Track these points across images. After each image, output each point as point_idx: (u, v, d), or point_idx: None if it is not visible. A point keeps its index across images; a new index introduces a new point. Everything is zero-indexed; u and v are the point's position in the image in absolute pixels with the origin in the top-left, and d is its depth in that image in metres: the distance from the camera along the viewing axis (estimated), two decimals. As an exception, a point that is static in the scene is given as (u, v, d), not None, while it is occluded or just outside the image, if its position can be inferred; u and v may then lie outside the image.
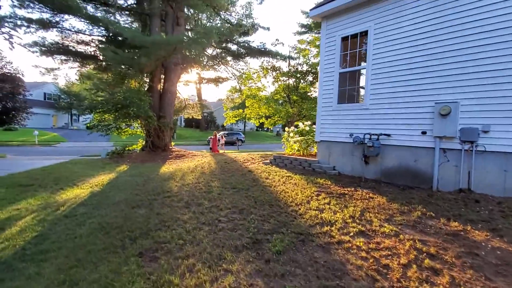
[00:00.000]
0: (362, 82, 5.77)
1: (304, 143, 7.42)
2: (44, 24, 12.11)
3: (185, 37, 8.86)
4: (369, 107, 5.53)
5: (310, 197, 4.37)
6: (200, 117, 21.20)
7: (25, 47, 12.57)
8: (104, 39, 11.61)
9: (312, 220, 3.51)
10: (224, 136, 31.53)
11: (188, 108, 19.79)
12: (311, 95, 19.53)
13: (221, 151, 13.24)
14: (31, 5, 8.94)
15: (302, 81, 18.71)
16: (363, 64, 5.81)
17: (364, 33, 5.68)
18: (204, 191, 5.27)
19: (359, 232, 3.12)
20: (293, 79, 18.88)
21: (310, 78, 18.63)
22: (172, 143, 13.99)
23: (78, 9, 9.06)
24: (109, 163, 11.03)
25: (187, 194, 5.20)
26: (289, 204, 4.18)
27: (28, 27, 12.06)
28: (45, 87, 42.73)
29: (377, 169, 5.45)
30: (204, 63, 15.68)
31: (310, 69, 17.18)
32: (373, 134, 5.30)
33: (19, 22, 11.79)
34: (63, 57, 13.29)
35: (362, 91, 6.32)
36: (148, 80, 12.70)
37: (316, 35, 22.77)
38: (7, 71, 22.64)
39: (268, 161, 7.75)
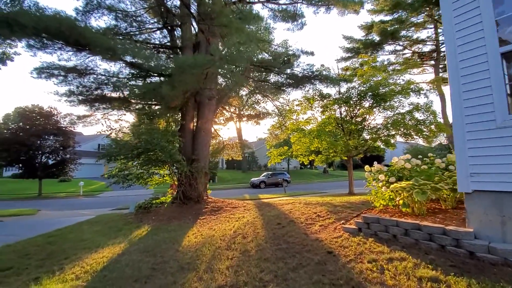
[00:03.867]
0: None
1: (419, 194, 4.17)
2: (80, 72, 11.57)
3: (218, 53, 6.82)
4: None
5: None
6: (240, 158, 18.89)
7: (62, 97, 12.09)
8: (131, 76, 10.45)
9: None
10: (268, 177, 28.70)
11: (228, 149, 17.72)
12: (370, 123, 16.16)
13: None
14: (50, 43, 8.08)
15: (358, 107, 15.62)
16: None
17: None
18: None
19: None
20: (346, 107, 15.93)
21: (366, 104, 15.45)
22: (209, 191, 11.55)
23: (103, 44, 7.74)
24: (130, 223, 8.82)
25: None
26: None
27: (65, 76, 11.59)
28: (100, 139, 46.13)
29: None
30: (242, 95, 13.79)
31: (368, 91, 14.14)
32: None
33: (56, 72, 11.40)
34: (99, 105, 12.54)
35: None
36: (180, 119, 10.91)
37: (370, 54, 20.11)
38: (61, 125, 23.71)
39: (353, 226, 4.57)
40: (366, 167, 6.13)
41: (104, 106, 12.16)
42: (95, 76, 11.83)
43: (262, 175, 29.36)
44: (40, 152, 23.02)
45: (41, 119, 23.22)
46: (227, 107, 16.40)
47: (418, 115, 14.50)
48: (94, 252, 5.70)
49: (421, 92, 15.10)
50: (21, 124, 22.98)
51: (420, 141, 17.30)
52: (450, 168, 5.69)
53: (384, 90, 14.20)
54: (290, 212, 7.04)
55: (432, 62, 25.56)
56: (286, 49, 15.71)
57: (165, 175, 10.14)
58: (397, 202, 4.97)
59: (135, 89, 8.90)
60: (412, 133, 14.54)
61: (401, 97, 14.42)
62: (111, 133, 9.29)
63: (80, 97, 12.14)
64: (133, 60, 9.86)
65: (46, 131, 23.02)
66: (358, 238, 4.02)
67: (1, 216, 11.98)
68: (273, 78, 16.18)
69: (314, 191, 20.33)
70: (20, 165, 23.62)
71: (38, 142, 22.67)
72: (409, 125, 14.14)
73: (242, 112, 20.38)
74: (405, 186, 4.46)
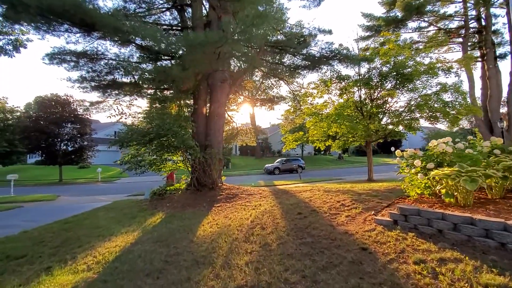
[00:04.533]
0: None
1: (468, 182, 3.58)
2: (91, 57, 11.31)
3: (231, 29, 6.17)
4: None
5: None
6: (254, 144, 18.45)
7: (75, 83, 11.94)
8: (141, 60, 10.06)
9: None
10: (283, 163, 28.23)
11: (241, 135, 17.31)
12: (391, 106, 15.14)
13: None
14: (56, 25, 7.74)
15: (379, 89, 14.62)
16: None
17: None
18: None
19: None
20: (366, 89, 14.97)
21: (388, 85, 14.40)
22: (223, 177, 11.26)
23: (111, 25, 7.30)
24: (144, 209, 8.69)
25: None
26: None
27: (76, 62, 11.38)
28: (116, 127, 46.98)
29: None
30: (256, 79, 13.16)
31: (392, 71, 13.10)
32: None
33: (67, 58, 11.20)
34: (111, 91, 12.34)
35: None
36: (192, 103, 10.52)
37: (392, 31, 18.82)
38: (78, 113, 24.01)
39: (387, 218, 4.05)
40: (397, 151, 5.51)
41: (116, 92, 11.93)
42: (106, 61, 11.51)
43: (276, 161, 28.95)
44: (59, 139, 23.54)
45: (58, 107, 23.59)
46: (240, 91, 15.83)
47: (446, 96, 13.47)
48: (107, 240, 5.53)
49: (451, 70, 13.93)
50: (40, 113, 23.45)
51: (441, 125, 16.24)
52: (495, 152, 5.02)
53: (409, 70, 13.13)
54: (310, 200, 6.59)
55: (460, 39, 23.58)
56: (301, 28, 14.73)
57: (178, 162, 9.88)
58: (437, 191, 4.39)
59: (145, 73, 8.53)
60: (438, 116, 13.54)
61: (427, 77, 13.32)
62: (120, 118, 9.03)
63: (93, 83, 11.96)
64: (142, 42, 9.45)
65: (63, 119, 23.41)
66: (395, 232, 3.51)
67: (22, 201, 12.30)
68: (288, 60, 15.36)
69: (331, 177, 19.76)
70: (41, 152, 24.34)
71: (57, 129, 23.14)
72: (436, 108, 13.16)
73: (256, 97, 19.77)
74: (450, 173, 3.86)
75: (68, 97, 24.25)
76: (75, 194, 16.11)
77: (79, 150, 24.45)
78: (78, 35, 8.81)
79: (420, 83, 13.22)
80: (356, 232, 3.75)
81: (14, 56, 13.02)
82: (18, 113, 27.74)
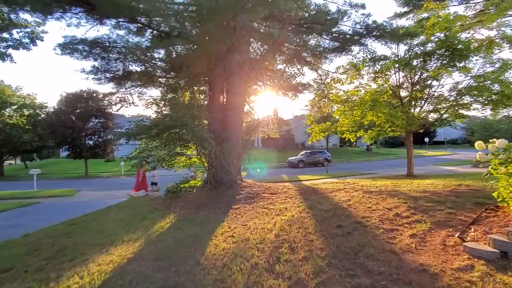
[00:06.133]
0: None
1: None
2: (102, 45, 10.64)
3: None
4: None
5: None
6: (278, 135, 17.14)
7: (89, 74, 11.41)
8: (152, 45, 9.11)
9: None
10: (307, 156, 26.59)
11: (263, 126, 16.06)
12: (435, 90, 13.00)
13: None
14: (54, 4, 6.95)
15: (422, 70, 12.56)
16: None
17: None
18: None
19: None
20: (405, 72, 12.99)
21: (433, 65, 12.29)
22: (243, 173, 10.18)
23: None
24: (156, 209, 7.85)
25: None
26: None
27: (88, 52, 10.78)
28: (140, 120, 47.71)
29: None
30: (278, 64, 11.81)
31: (441, 46, 10.99)
32: None
33: (80, 47, 10.62)
34: (125, 82, 11.69)
35: None
36: (207, 90, 9.44)
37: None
38: (101, 107, 24.05)
39: (489, 248, 2.65)
40: (478, 144, 3.97)
41: (129, 82, 11.25)
42: (117, 49, 10.79)
43: (300, 154, 27.41)
44: (83, 133, 23.85)
45: (83, 102, 23.80)
46: (260, 79, 14.50)
47: (508, 76, 11.34)
48: (104, 252, 4.62)
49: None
50: (66, 108, 23.82)
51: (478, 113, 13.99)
52: None
53: (461, 46, 11.01)
54: (349, 205, 5.24)
55: (514, 12, 20.10)
56: (327, 5, 12.92)
57: (193, 156, 8.92)
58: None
59: (156, 59, 7.63)
60: (497, 100, 11.42)
61: (484, 53, 11.14)
62: (121, 107, 8.23)
63: (107, 74, 11.38)
64: (152, 23, 8.46)
65: (87, 114, 23.60)
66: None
67: (42, 197, 12.13)
68: (314, 42, 13.69)
69: (361, 171, 17.97)
70: (68, 146, 24.88)
71: (81, 124, 23.41)
72: (494, 90, 11.16)
73: (278, 85, 18.32)
74: None
75: (89, 90, 24.39)
76: (96, 189, 15.96)
77: (103, 144, 24.67)
78: (80, 14, 7.96)
79: (478, 58, 11.10)
80: (442, 270, 2.40)
81: (31, 49, 12.70)
82: (47, 109, 28.62)
